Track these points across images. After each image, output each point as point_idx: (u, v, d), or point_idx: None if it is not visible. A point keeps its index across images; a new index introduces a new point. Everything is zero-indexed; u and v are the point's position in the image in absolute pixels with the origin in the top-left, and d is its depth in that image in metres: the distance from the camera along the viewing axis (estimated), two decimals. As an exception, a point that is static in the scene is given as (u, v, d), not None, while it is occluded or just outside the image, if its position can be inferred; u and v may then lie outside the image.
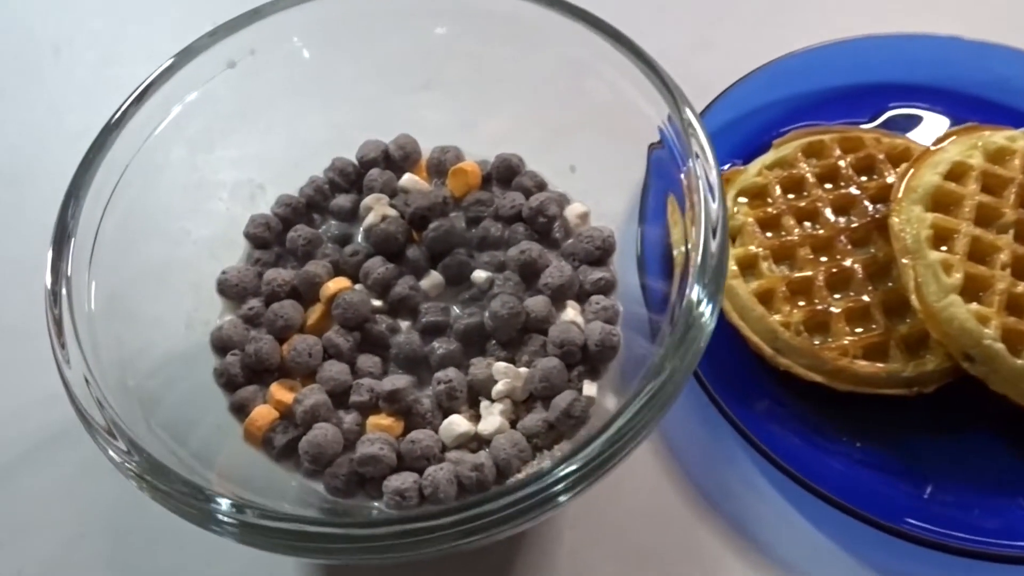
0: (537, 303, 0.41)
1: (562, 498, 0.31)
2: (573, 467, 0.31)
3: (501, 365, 0.40)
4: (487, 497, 0.31)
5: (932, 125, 0.56)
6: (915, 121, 0.57)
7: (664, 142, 0.40)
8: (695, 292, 0.34)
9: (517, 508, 0.31)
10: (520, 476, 0.36)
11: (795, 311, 0.46)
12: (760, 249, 0.48)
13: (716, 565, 0.43)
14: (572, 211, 0.45)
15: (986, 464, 0.44)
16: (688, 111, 0.38)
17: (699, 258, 0.35)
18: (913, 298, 0.44)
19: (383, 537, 0.30)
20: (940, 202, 0.47)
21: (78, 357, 0.34)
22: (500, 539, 0.32)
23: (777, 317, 0.46)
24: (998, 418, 0.44)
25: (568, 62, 0.45)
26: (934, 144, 0.49)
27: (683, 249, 0.40)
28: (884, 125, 0.56)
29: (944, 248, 0.45)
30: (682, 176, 0.38)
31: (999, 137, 0.49)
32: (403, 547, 0.30)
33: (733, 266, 0.48)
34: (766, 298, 0.47)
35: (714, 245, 0.35)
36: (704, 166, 0.37)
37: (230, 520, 0.31)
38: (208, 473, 0.34)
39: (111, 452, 0.32)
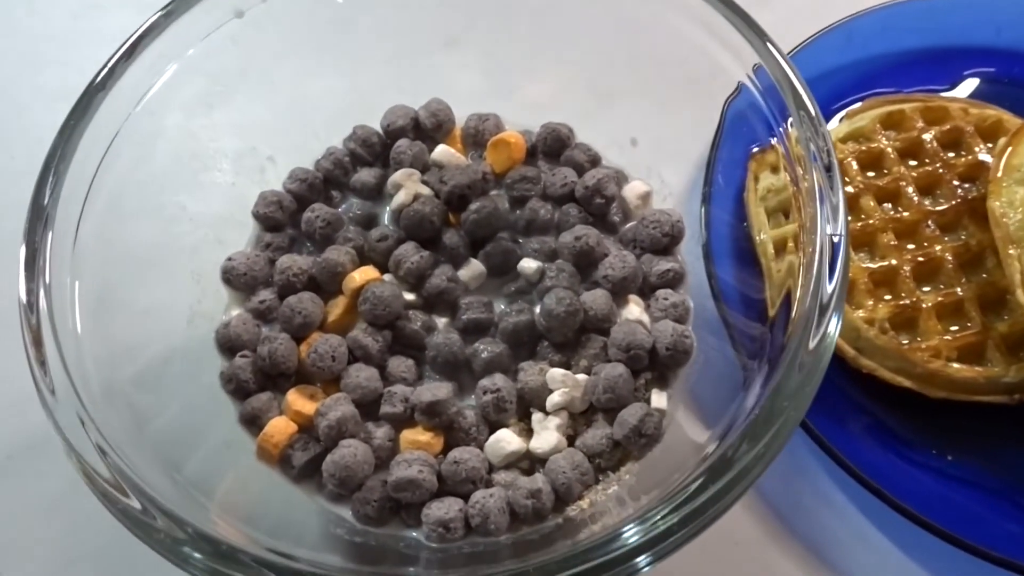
0: (597, 298, 0.36)
1: (644, 563, 0.26)
2: (666, 525, 0.25)
3: (557, 372, 0.35)
4: (556, 565, 0.25)
5: (1016, 95, 0.50)
6: (1000, 90, 0.51)
7: (748, 99, 0.34)
8: (814, 329, 0.28)
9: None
10: (595, 529, 0.30)
11: (879, 306, 0.41)
12: (838, 234, 0.43)
13: (789, 591, 0.39)
14: (632, 190, 0.40)
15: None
16: (778, 55, 0.32)
17: (812, 292, 0.29)
18: (1019, 293, 0.39)
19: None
20: (1046, 183, 0.41)
21: (59, 371, 0.28)
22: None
23: (859, 313, 0.41)
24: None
25: (623, 10, 0.39)
26: (1033, 116, 0.44)
27: (765, 236, 0.34)
28: (964, 93, 0.50)
29: (1055, 237, 0.40)
30: (773, 141, 0.32)
31: (1108, 109, 0.43)
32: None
33: (807, 253, 0.43)
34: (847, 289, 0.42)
35: (838, 272, 0.29)
36: (810, 125, 0.31)
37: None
38: (207, 503, 0.29)
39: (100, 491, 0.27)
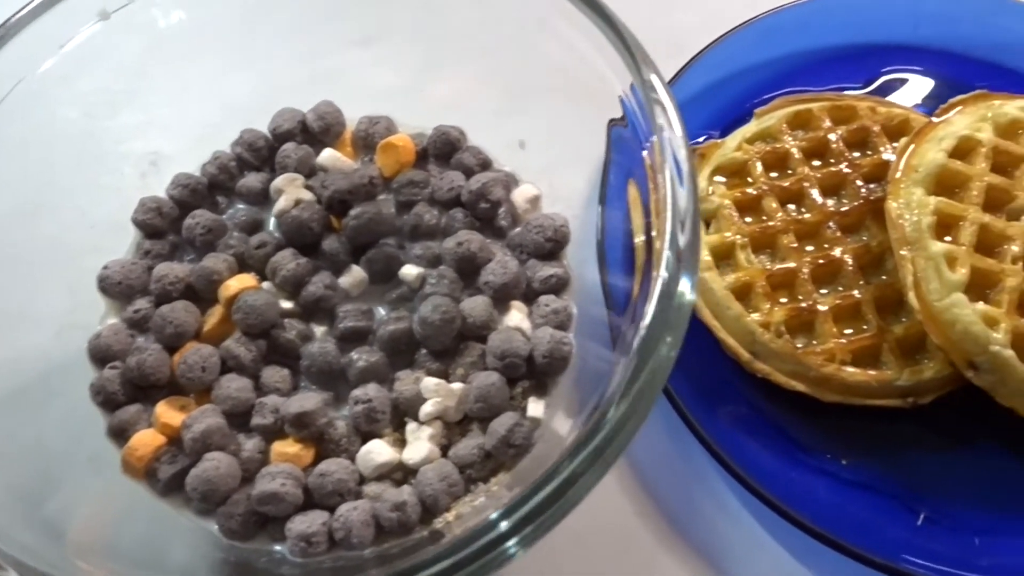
0: (476, 305, 0.35)
1: (513, 549, 0.26)
2: (512, 522, 0.25)
3: (431, 381, 0.34)
4: (417, 566, 0.25)
5: (935, 92, 0.49)
6: (916, 87, 0.50)
7: (626, 114, 0.33)
8: (656, 304, 0.27)
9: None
10: (458, 533, 0.29)
11: (776, 309, 0.41)
12: (737, 236, 0.42)
13: (680, 599, 0.38)
14: (521, 194, 0.39)
15: (990, 486, 0.39)
16: (652, 75, 0.32)
17: (665, 257, 0.28)
18: (911, 296, 0.39)
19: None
20: (944, 183, 0.41)
21: None
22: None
23: (755, 316, 0.41)
24: (1005, 433, 0.39)
25: (523, 19, 0.38)
26: (937, 115, 0.43)
27: (642, 240, 0.34)
28: (880, 91, 0.50)
29: (948, 238, 0.39)
30: (644, 154, 0.32)
31: (1012, 107, 0.42)
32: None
33: (706, 256, 0.42)
34: (743, 293, 0.41)
35: (682, 239, 0.29)
36: (671, 141, 0.30)
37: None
38: (64, 539, 0.28)
39: None
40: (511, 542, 0.26)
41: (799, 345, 0.40)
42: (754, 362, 0.40)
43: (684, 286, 0.28)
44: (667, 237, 0.29)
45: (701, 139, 0.47)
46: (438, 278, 0.36)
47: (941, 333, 0.38)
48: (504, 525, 0.26)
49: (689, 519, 0.40)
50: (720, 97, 0.49)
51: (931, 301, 0.38)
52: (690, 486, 0.41)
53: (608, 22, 0.33)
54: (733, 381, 0.41)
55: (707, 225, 0.44)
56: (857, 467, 0.39)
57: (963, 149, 0.41)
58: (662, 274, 0.27)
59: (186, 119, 0.43)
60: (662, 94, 0.32)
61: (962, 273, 0.38)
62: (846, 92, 0.48)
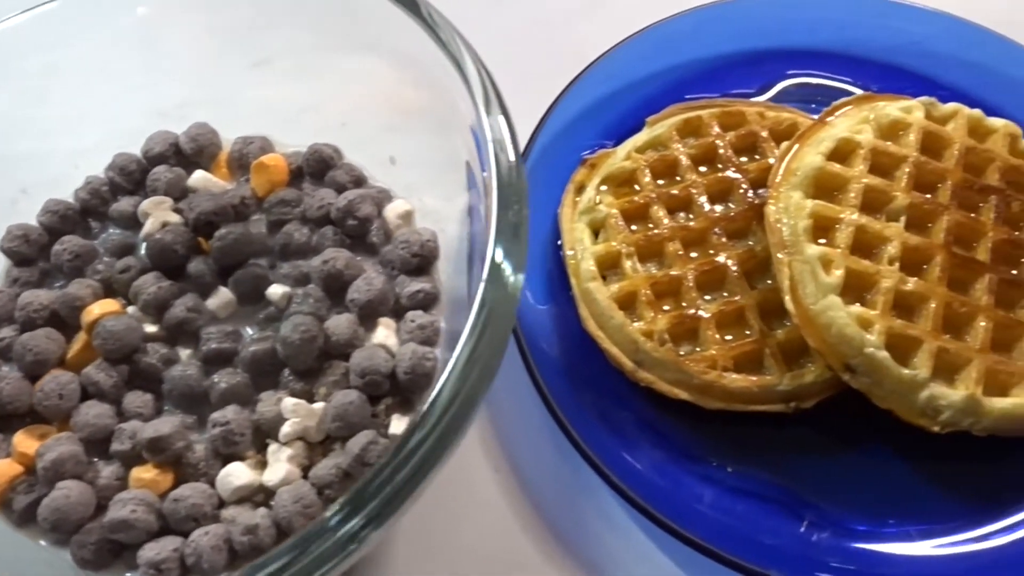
0: (339, 323, 0.35)
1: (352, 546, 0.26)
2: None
3: (290, 401, 0.34)
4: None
5: (834, 96, 0.49)
6: (814, 92, 0.50)
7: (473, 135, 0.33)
8: (476, 308, 0.27)
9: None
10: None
11: (660, 317, 0.40)
12: (623, 245, 0.42)
13: (567, 616, 0.38)
14: (393, 210, 0.39)
15: (873, 490, 0.38)
16: (494, 118, 0.32)
17: (491, 256, 0.28)
18: (787, 300, 0.38)
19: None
20: (823, 186, 0.40)
21: None
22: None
23: (639, 325, 0.40)
24: (887, 436, 0.39)
25: (398, 49, 0.39)
26: (821, 118, 0.43)
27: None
28: (780, 97, 0.50)
29: (823, 241, 0.39)
30: (485, 174, 0.31)
31: (894, 108, 0.42)
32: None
33: (592, 266, 0.42)
34: (628, 303, 0.41)
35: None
36: (490, 184, 0.30)
37: None
38: None
39: None
40: (354, 523, 0.26)
41: (682, 353, 0.40)
42: (638, 371, 0.40)
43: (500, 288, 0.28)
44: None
45: (592, 150, 0.46)
46: (303, 297, 0.36)
47: (817, 336, 0.38)
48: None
49: (577, 534, 0.39)
50: (618, 107, 0.49)
51: (807, 304, 0.38)
52: (578, 500, 0.40)
53: (456, 64, 0.33)
54: (621, 393, 0.41)
55: (596, 235, 0.44)
56: (744, 474, 0.39)
57: (843, 151, 0.41)
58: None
59: (59, 147, 0.43)
60: (496, 133, 0.31)
61: (837, 275, 0.38)
62: (738, 98, 0.48)
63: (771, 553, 0.36)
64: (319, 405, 0.34)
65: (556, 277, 0.44)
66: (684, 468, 0.39)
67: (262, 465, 0.34)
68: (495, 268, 0.28)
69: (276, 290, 0.36)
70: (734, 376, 0.39)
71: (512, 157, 0.30)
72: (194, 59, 0.45)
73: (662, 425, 0.40)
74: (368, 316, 0.36)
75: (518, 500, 0.40)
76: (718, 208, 0.43)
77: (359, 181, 0.40)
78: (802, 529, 0.38)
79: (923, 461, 0.39)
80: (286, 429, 0.33)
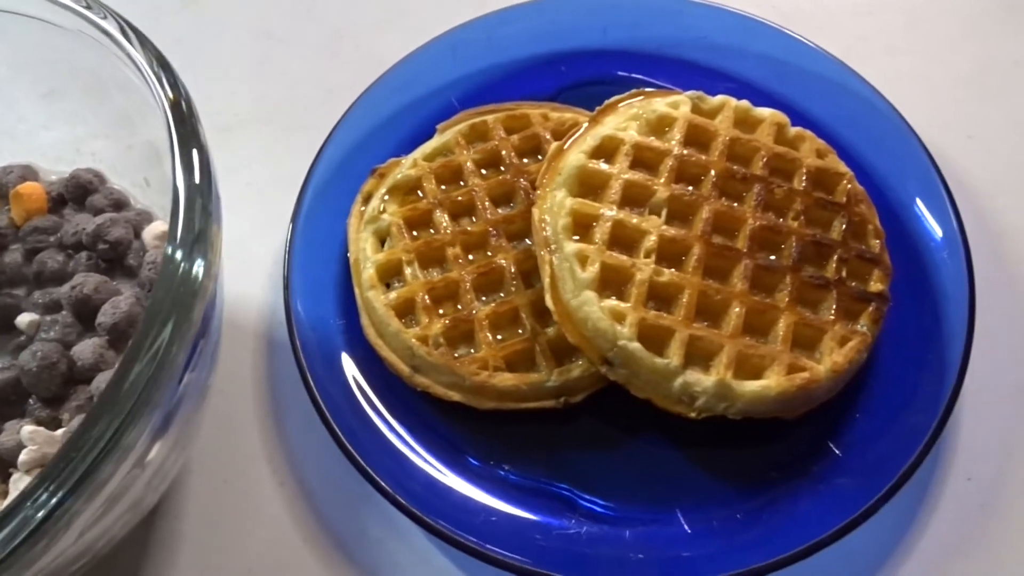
0: (84, 349, 0.35)
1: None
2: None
3: (28, 428, 0.33)
4: None
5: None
6: (609, 91, 0.50)
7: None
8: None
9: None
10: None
11: (435, 322, 0.41)
12: (404, 253, 0.42)
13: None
14: (150, 231, 0.39)
15: (646, 479, 0.39)
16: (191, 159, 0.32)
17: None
18: (548, 298, 0.39)
19: None
20: (586, 184, 0.41)
21: None
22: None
23: (415, 330, 0.41)
24: (655, 425, 0.40)
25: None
26: (594, 117, 0.44)
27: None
28: (575, 98, 0.50)
29: (581, 237, 0.40)
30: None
31: (661, 104, 0.43)
32: None
33: (372, 274, 0.42)
34: (406, 309, 0.42)
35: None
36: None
37: None
38: None
39: None
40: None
41: (458, 355, 0.40)
42: (414, 376, 0.41)
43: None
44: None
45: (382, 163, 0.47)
46: (51, 324, 0.36)
47: (576, 332, 0.38)
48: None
49: (359, 541, 0.40)
50: (415, 118, 0.49)
51: (566, 301, 0.39)
52: (362, 509, 0.40)
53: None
54: (406, 400, 0.41)
55: (383, 244, 0.44)
56: (521, 473, 0.39)
57: (607, 148, 0.42)
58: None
59: None
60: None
61: (592, 271, 0.38)
62: (526, 102, 0.48)
63: (544, 551, 0.37)
64: (59, 432, 0.34)
65: (351, 291, 0.44)
66: (462, 471, 0.39)
67: (4, 495, 0.33)
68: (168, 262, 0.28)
69: (24, 318, 0.36)
70: (504, 375, 0.39)
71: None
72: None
73: (444, 429, 0.41)
74: (119, 339, 0.36)
75: (302, 512, 0.40)
76: (501, 211, 0.44)
77: (119, 204, 0.39)
78: (574, 523, 0.38)
79: (689, 448, 0.40)
80: (23, 457, 0.33)
